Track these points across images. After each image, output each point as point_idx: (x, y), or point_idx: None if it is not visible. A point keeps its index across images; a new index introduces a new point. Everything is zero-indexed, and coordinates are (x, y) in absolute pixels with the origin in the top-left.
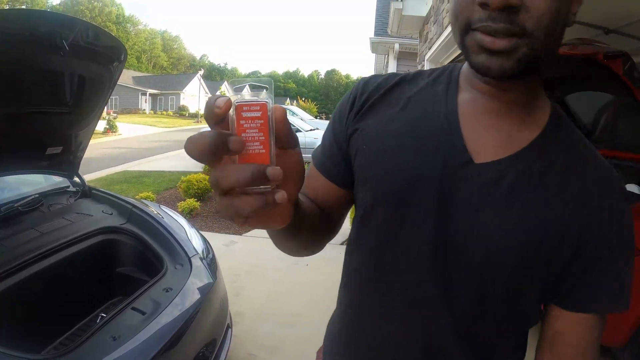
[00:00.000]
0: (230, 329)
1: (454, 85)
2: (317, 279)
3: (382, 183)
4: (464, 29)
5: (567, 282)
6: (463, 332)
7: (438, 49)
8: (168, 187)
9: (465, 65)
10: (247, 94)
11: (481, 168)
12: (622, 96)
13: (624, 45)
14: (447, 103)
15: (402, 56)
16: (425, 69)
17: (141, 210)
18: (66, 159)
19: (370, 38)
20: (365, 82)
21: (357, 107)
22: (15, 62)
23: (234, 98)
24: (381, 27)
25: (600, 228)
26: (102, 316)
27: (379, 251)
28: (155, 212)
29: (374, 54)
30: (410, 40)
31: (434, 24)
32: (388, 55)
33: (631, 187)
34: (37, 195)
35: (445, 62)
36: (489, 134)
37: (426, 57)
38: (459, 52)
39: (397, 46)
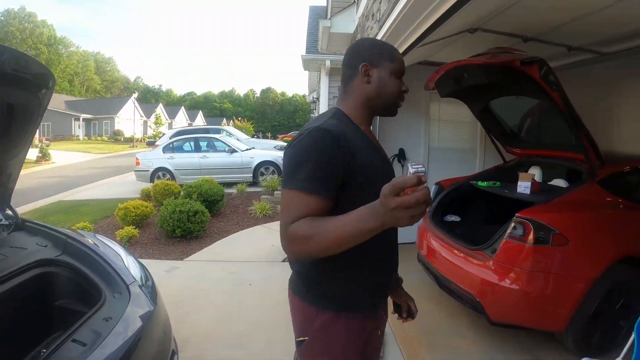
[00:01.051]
0: (176, 355)
1: (356, 125)
2: (261, 298)
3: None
4: (397, 99)
5: None
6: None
7: None
8: (105, 216)
9: (347, 110)
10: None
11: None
12: (541, 99)
13: (542, 52)
14: (364, 136)
15: (333, 72)
16: None
17: (76, 240)
18: None
19: (302, 56)
20: (337, 139)
21: (348, 156)
22: None
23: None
24: (312, 45)
25: None
26: (43, 352)
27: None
28: (91, 242)
29: (307, 71)
30: (340, 56)
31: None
32: (320, 72)
33: (558, 182)
34: None
35: None
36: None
37: None
38: None
39: (328, 63)
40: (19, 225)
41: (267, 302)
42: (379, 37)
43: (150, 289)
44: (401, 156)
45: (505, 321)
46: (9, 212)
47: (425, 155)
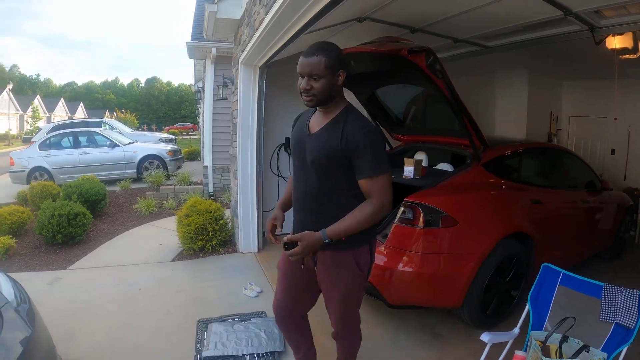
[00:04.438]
0: None
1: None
2: (154, 303)
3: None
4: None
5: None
6: (309, 184)
7: (251, 51)
8: None
9: None
10: None
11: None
12: (427, 87)
13: (429, 44)
14: (307, 119)
15: (219, 60)
16: (238, 72)
17: None
18: None
19: (187, 43)
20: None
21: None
22: None
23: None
24: (198, 32)
25: (354, 144)
26: None
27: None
28: None
29: (193, 60)
30: (227, 44)
31: (247, 26)
32: (206, 60)
33: (443, 166)
34: None
35: (260, 64)
36: (316, 125)
37: (240, 59)
38: (270, 54)
39: (214, 50)
40: None
41: (160, 306)
42: (264, 23)
43: (27, 310)
44: (287, 145)
45: (403, 303)
46: None
47: None
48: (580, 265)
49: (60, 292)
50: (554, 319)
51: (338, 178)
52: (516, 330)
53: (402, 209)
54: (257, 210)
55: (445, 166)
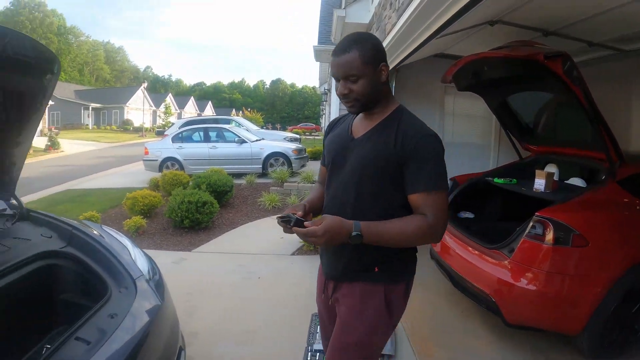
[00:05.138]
0: (183, 351)
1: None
2: (270, 292)
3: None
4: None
5: (402, 176)
6: (347, 198)
7: None
8: (113, 205)
9: None
10: None
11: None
12: (562, 95)
13: (563, 47)
14: (349, 123)
15: None
16: None
17: (82, 232)
18: (0, 179)
19: (314, 46)
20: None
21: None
22: None
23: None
24: (325, 36)
25: (411, 149)
26: (47, 347)
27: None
28: (97, 234)
29: (318, 63)
30: None
31: (377, 30)
32: None
33: (574, 181)
34: None
35: (390, 67)
36: (361, 128)
37: None
38: (400, 58)
39: None
40: (24, 215)
41: (276, 296)
42: (396, 28)
43: (157, 283)
44: None
45: (521, 323)
46: (14, 201)
47: None
48: None
49: (184, 271)
50: None
51: (381, 192)
52: None
53: (531, 223)
54: None
55: (577, 181)
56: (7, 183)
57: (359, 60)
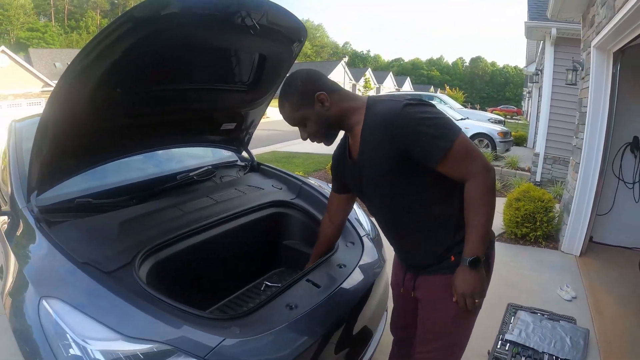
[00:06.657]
0: (385, 312)
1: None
2: None
3: None
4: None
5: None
6: (390, 217)
7: (608, 35)
8: (317, 169)
9: None
10: None
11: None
12: None
13: None
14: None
15: (559, 42)
16: (590, 56)
17: (310, 186)
18: (238, 135)
19: (525, 22)
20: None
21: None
22: (205, 41)
23: None
24: (537, 11)
25: (398, 133)
26: (266, 284)
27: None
28: (323, 188)
29: (525, 41)
30: (569, 25)
31: (602, 6)
32: (544, 42)
33: None
34: (210, 167)
35: (614, 49)
36: (353, 147)
37: (592, 43)
38: (629, 39)
39: (554, 31)
40: (255, 167)
41: None
42: (629, 4)
43: (378, 243)
44: (635, 145)
45: None
46: (245, 154)
47: None
48: None
49: None
50: None
51: (408, 193)
52: None
53: None
54: (591, 212)
55: None
56: (243, 139)
57: (293, 111)
